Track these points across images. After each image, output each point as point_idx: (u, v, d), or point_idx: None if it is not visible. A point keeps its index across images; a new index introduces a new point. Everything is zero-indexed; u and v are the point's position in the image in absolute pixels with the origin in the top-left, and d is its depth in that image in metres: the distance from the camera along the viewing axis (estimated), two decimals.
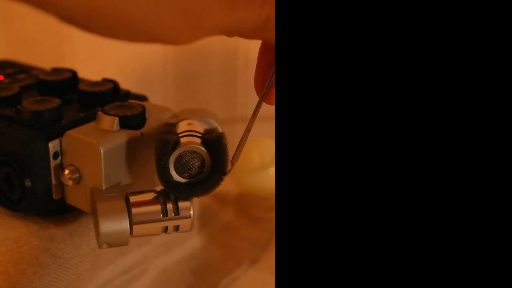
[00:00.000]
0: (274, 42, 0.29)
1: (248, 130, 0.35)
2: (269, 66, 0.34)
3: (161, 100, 0.67)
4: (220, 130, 0.38)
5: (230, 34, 0.29)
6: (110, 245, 0.34)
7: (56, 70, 0.46)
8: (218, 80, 0.69)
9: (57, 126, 0.38)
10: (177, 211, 0.35)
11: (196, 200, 0.37)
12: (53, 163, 0.37)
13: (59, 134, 0.37)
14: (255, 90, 0.35)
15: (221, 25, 0.27)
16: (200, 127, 0.37)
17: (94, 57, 0.65)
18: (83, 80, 0.45)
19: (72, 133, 0.37)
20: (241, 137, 0.35)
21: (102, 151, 0.35)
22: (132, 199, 0.34)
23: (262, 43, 0.34)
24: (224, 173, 0.34)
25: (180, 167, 0.34)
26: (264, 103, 0.34)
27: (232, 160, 0.35)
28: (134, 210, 0.34)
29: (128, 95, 0.43)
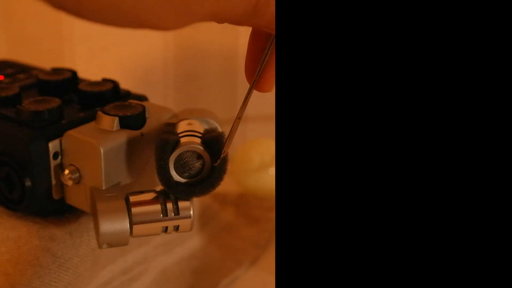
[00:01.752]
0: (263, 29, 0.29)
1: (239, 117, 0.34)
2: (259, 53, 0.34)
3: (161, 100, 0.66)
4: (220, 130, 0.38)
5: (220, 20, 0.28)
6: (110, 245, 0.34)
7: (56, 70, 0.46)
8: (218, 80, 0.69)
9: (57, 126, 0.38)
10: (177, 211, 0.35)
11: (196, 200, 0.37)
12: (53, 163, 0.37)
13: (59, 134, 0.37)
14: (246, 77, 0.35)
15: (210, 12, 0.27)
16: (200, 127, 0.37)
17: (94, 57, 0.65)
18: (83, 80, 0.45)
19: (72, 133, 0.37)
20: (231, 125, 0.34)
21: (102, 151, 0.35)
22: (132, 199, 0.34)
23: (252, 30, 0.34)
24: (217, 162, 0.34)
25: (180, 167, 0.34)
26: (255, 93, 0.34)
27: (223, 148, 0.34)
28: (134, 210, 0.34)
29: (128, 95, 0.43)
